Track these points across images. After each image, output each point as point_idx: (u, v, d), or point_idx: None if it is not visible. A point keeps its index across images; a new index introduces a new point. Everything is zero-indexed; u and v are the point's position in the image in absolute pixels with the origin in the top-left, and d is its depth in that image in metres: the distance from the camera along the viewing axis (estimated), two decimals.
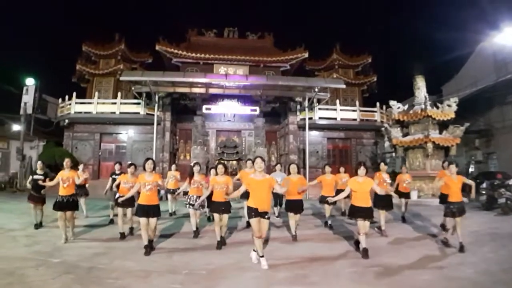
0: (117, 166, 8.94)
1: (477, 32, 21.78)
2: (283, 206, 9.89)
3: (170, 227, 8.36)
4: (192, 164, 7.91)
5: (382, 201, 7.75)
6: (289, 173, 7.44)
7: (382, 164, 8.84)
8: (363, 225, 5.84)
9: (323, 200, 8.45)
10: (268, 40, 25.98)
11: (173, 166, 11.20)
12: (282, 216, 9.31)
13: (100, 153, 22.01)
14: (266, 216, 5.26)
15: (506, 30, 15.34)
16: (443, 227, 7.57)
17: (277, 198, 9.63)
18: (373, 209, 6.11)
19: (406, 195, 9.68)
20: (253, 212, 5.21)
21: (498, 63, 21.46)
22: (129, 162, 8.01)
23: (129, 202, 7.19)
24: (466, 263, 5.38)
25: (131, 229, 7.61)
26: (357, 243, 6.15)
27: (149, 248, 6.01)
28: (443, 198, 7.47)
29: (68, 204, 6.94)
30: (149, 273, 4.92)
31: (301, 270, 5.11)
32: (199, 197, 7.19)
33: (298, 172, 7.40)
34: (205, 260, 5.55)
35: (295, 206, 7.18)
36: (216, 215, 6.53)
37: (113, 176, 8.63)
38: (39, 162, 8.45)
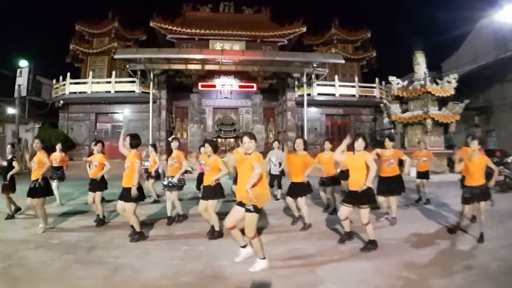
0: (93, 145, 7.86)
1: (477, 9, 21.40)
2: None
3: (165, 210, 7.95)
4: (170, 139, 7.15)
5: (389, 184, 6.48)
6: (293, 150, 6.42)
7: (386, 140, 6.87)
8: (343, 209, 4.95)
9: (322, 182, 7.36)
10: (265, 14, 25.43)
11: (150, 146, 9.14)
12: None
13: (96, 133, 21.85)
14: (245, 207, 4.12)
15: (506, 8, 15.08)
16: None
17: (275, 178, 8.91)
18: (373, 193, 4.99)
19: (424, 175, 8.69)
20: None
21: (499, 40, 21.23)
22: (96, 140, 7.35)
23: (97, 186, 6.67)
24: (464, 239, 5.40)
25: (101, 219, 6.72)
26: (343, 235, 5.27)
27: (133, 234, 5.39)
28: (463, 182, 6.09)
29: (34, 190, 6.12)
30: (149, 250, 4.92)
31: (297, 245, 5.15)
32: (174, 177, 6.55)
33: (305, 149, 6.34)
34: (203, 239, 5.50)
35: (298, 189, 6.17)
36: (201, 201, 5.63)
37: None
38: (8, 145, 7.62)
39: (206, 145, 5.75)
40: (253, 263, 4.18)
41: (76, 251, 4.91)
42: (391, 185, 6.50)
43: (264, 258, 4.17)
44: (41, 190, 6.19)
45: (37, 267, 4.31)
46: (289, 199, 6.36)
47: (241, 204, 4.19)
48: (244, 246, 4.37)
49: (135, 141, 5.46)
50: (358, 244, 5.13)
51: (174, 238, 5.68)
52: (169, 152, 6.82)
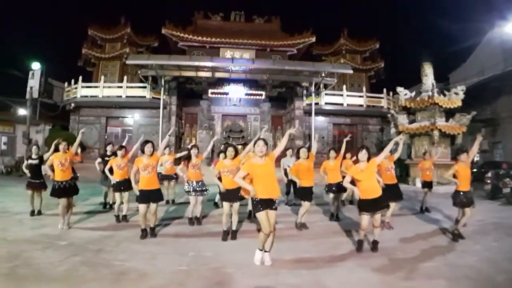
0: (109, 147, 8.36)
1: (485, 22, 21.44)
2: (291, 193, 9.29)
3: (173, 213, 8.19)
4: (189, 146, 7.43)
5: (388, 192, 6.47)
6: (298, 158, 6.89)
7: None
8: (365, 219, 5.20)
9: (329, 189, 7.62)
10: (275, 24, 25.67)
11: (166, 150, 9.49)
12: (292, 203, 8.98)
13: (106, 137, 22.16)
14: (273, 207, 4.47)
15: None
16: (457, 221, 6.61)
17: (290, 185, 9.19)
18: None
19: (429, 185, 8.93)
20: (260, 205, 4.40)
21: (507, 52, 21.14)
22: (120, 145, 7.58)
23: (126, 186, 7.00)
24: (469, 251, 5.36)
25: (125, 216, 7.22)
26: (360, 243, 5.41)
27: (146, 233, 5.81)
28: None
29: (68, 190, 6.51)
30: (156, 255, 4.94)
31: (304, 253, 5.18)
32: (199, 182, 6.88)
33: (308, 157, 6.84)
34: (211, 244, 5.58)
35: (306, 193, 6.66)
36: (225, 204, 5.90)
37: (105, 158, 8.06)
38: (34, 146, 7.86)
39: (230, 148, 6.05)
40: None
41: (83, 253, 4.92)
42: (390, 192, 6.68)
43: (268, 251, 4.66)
44: (73, 189, 6.64)
45: (44, 268, 4.31)
46: (304, 202, 6.71)
47: (269, 203, 4.45)
48: (262, 250, 4.61)
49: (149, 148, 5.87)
50: (365, 253, 5.20)
51: (182, 242, 5.70)
52: (188, 158, 6.94)
